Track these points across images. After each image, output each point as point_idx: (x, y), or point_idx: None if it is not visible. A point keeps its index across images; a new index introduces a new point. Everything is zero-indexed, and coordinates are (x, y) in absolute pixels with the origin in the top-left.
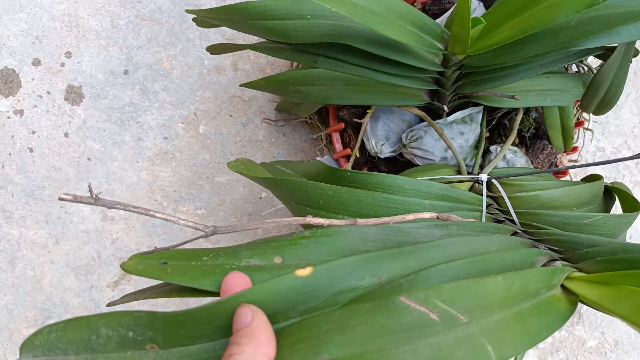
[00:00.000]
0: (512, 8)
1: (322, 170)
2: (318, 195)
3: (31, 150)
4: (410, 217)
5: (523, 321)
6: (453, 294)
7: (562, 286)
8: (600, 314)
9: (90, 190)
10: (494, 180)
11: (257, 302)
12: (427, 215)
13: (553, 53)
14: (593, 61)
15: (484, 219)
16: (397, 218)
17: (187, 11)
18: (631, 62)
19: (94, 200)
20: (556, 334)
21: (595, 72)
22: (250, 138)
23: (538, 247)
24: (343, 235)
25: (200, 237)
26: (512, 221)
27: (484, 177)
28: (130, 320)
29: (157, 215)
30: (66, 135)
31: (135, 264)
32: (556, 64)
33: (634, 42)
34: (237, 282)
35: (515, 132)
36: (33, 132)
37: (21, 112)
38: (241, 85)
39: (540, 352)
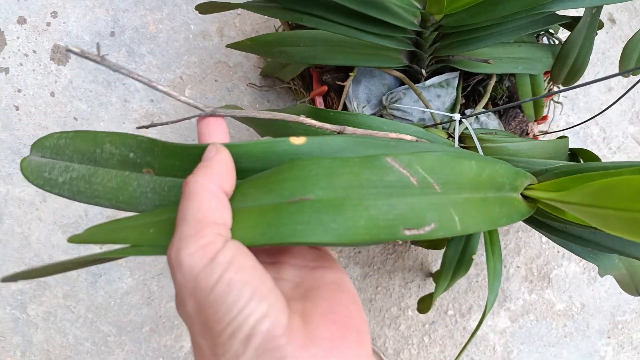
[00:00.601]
0: None
1: (307, 110)
2: (302, 131)
3: (17, 108)
4: (393, 135)
5: (487, 206)
6: (433, 164)
7: (523, 196)
8: (568, 279)
9: (98, 49)
10: (466, 122)
11: (247, 154)
12: (408, 137)
13: (522, 14)
14: (562, 36)
15: None
16: (381, 134)
17: None
18: (596, 34)
19: (100, 59)
20: (527, 297)
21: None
22: (235, 103)
23: None
24: (330, 139)
25: (199, 115)
26: None
27: (457, 116)
28: (134, 143)
29: (159, 87)
30: (52, 94)
31: None
32: (526, 29)
33: (599, 13)
34: (215, 129)
35: (488, 95)
36: (19, 91)
37: (6, 70)
38: (228, 46)
39: (511, 313)
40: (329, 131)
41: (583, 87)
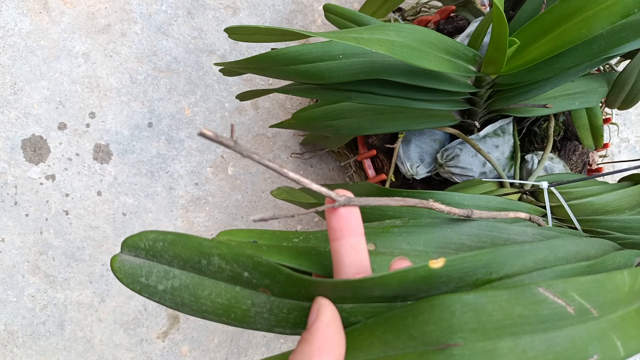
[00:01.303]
0: (545, 25)
1: (375, 191)
2: (382, 209)
3: (67, 212)
4: (512, 214)
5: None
6: (589, 287)
7: None
8: None
9: (232, 132)
10: (552, 188)
11: (382, 285)
12: (523, 215)
13: (587, 62)
14: (614, 61)
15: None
16: (502, 214)
17: (216, 64)
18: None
19: (233, 143)
20: None
21: (616, 69)
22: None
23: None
24: (437, 227)
25: (332, 206)
26: (574, 229)
27: (544, 184)
28: (249, 263)
29: (290, 174)
30: (99, 193)
31: (227, 241)
32: (585, 70)
33: None
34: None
35: (552, 139)
36: (67, 195)
37: (53, 177)
38: (271, 127)
39: None
40: (455, 215)
41: None
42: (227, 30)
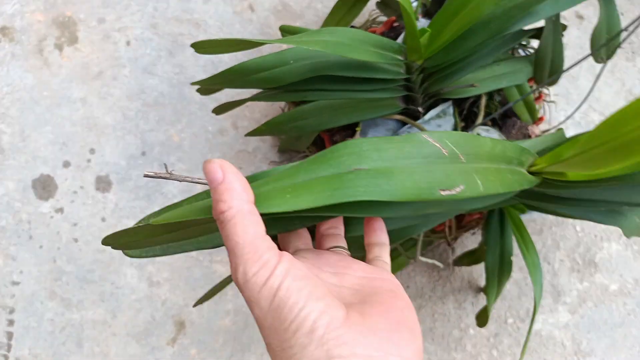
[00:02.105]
0: (448, 14)
1: None
2: None
3: (76, 240)
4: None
5: (501, 174)
6: (458, 139)
7: (530, 173)
8: (613, 259)
9: (166, 168)
10: None
11: None
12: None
13: (490, 41)
14: (535, 44)
15: None
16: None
17: (193, 83)
18: (563, 35)
19: (169, 175)
20: (579, 286)
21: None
22: None
23: None
24: None
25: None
26: None
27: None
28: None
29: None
30: (103, 219)
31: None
32: (499, 49)
33: (558, 18)
34: None
35: (482, 112)
36: (75, 224)
37: (62, 210)
38: (246, 135)
39: (569, 306)
40: None
41: (572, 81)
42: (193, 45)
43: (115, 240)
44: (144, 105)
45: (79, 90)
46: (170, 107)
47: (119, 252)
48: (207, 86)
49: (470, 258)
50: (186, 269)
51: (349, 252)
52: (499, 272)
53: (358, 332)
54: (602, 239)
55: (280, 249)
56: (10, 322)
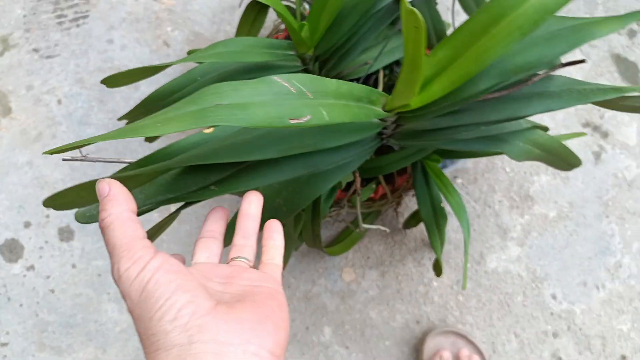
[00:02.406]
0: (319, 6)
1: None
2: None
3: (52, 291)
4: None
5: (349, 108)
6: (305, 80)
7: (387, 112)
8: (545, 189)
9: (81, 152)
10: None
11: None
12: None
13: (364, 20)
14: None
15: None
16: None
17: (120, 118)
18: (437, 2)
19: (84, 157)
20: (521, 220)
21: None
22: None
23: None
24: None
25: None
26: None
27: None
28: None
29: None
30: (74, 266)
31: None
32: (378, 27)
33: None
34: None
35: (381, 84)
36: (48, 277)
37: (32, 267)
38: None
39: (516, 240)
40: None
41: None
42: (104, 81)
43: (53, 202)
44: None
45: (23, 155)
46: (112, 148)
47: (94, 291)
48: (133, 118)
49: (415, 218)
50: None
51: (248, 261)
52: (435, 220)
53: (223, 320)
54: (532, 174)
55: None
56: None
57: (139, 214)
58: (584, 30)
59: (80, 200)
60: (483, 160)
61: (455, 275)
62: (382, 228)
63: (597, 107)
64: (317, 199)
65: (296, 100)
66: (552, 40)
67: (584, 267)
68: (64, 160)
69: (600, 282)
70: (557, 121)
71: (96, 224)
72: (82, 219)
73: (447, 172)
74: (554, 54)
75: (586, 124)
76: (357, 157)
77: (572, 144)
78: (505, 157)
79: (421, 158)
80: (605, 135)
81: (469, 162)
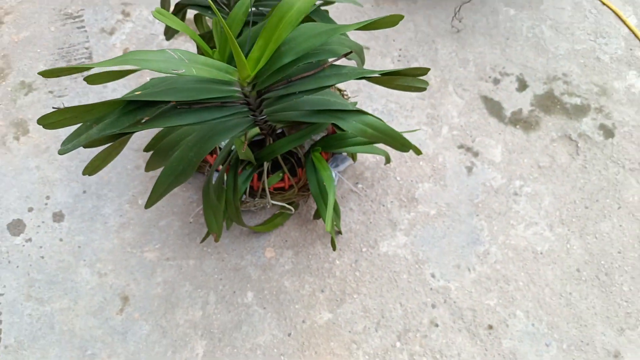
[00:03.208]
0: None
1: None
2: None
3: (42, 257)
4: None
5: (211, 71)
6: (185, 53)
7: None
8: (428, 193)
9: (63, 104)
10: None
11: None
12: None
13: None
14: None
15: None
16: None
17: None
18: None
19: (63, 105)
20: (408, 216)
21: None
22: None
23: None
24: None
25: None
26: None
27: None
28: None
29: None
30: (61, 240)
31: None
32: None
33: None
34: None
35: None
36: (40, 247)
37: (30, 240)
38: (146, 170)
39: (404, 231)
40: None
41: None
42: (39, 121)
43: (45, 121)
44: (80, 162)
45: (33, 162)
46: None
47: (74, 258)
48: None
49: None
50: (125, 260)
51: None
52: (321, 194)
53: None
54: (417, 182)
55: None
56: None
57: (93, 144)
58: (332, 31)
59: (64, 121)
60: (379, 171)
61: (354, 256)
62: (286, 205)
63: (469, 133)
64: (235, 178)
65: (177, 62)
66: (317, 36)
67: (458, 253)
68: (53, 108)
69: (472, 265)
70: (437, 144)
71: (81, 211)
72: (67, 149)
73: (345, 177)
74: (319, 41)
75: (461, 146)
76: (238, 121)
77: (449, 160)
78: (397, 168)
79: (309, 150)
80: (476, 154)
81: (367, 172)
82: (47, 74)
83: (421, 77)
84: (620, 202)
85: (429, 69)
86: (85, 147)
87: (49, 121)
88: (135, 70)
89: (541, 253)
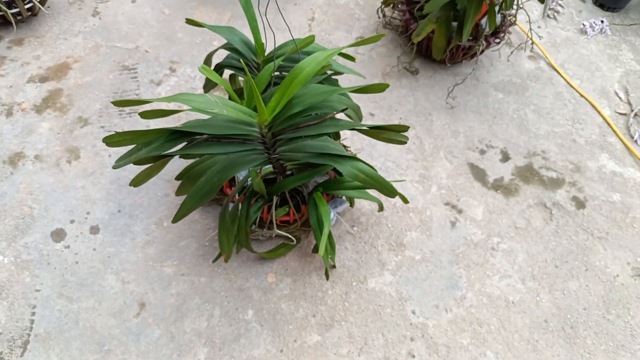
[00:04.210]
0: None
1: None
2: None
3: (77, 262)
4: None
5: (237, 113)
6: (219, 98)
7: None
8: (415, 240)
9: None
10: None
11: None
12: None
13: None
14: None
15: None
16: None
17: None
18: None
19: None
20: (395, 259)
21: None
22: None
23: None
24: None
25: None
26: None
27: None
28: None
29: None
30: (94, 249)
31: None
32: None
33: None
34: None
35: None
36: (76, 254)
37: (68, 247)
38: (177, 194)
39: (391, 271)
40: None
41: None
42: (104, 140)
43: (109, 139)
44: (119, 186)
45: (80, 182)
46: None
47: (103, 266)
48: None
49: (302, 229)
50: (146, 272)
51: None
52: (319, 226)
53: None
54: (406, 230)
55: None
56: (33, 314)
57: (141, 162)
58: (332, 91)
59: (122, 142)
60: (373, 217)
61: (345, 288)
62: (290, 236)
63: (455, 193)
64: (248, 208)
65: (213, 104)
66: (320, 94)
67: (438, 295)
68: (111, 102)
69: (449, 307)
70: (426, 199)
71: (114, 227)
72: (117, 167)
73: (344, 219)
74: (322, 98)
75: (447, 203)
76: (255, 157)
77: (436, 214)
78: (389, 217)
79: (312, 190)
80: (460, 211)
81: (362, 217)
82: (118, 103)
83: (403, 133)
84: (587, 265)
85: (408, 127)
86: (134, 164)
87: (112, 140)
88: (179, 111)
89: (513, 302)
